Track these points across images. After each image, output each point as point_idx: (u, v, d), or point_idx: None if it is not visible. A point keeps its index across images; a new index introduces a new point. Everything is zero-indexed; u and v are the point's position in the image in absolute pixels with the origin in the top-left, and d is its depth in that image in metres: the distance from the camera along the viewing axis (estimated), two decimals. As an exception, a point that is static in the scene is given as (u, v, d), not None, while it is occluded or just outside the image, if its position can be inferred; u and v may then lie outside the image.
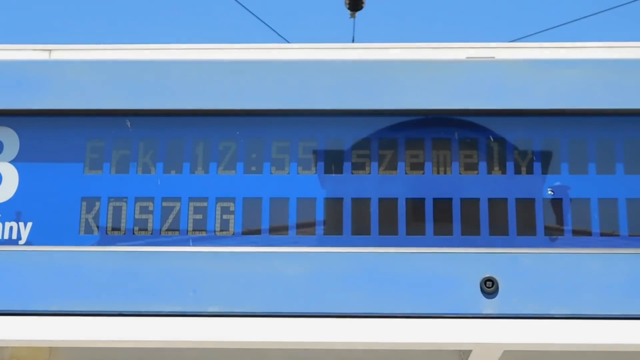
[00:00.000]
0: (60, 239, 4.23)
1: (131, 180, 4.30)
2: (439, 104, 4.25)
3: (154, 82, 4.32)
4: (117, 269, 4.11)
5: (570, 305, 3.99)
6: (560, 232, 4.16)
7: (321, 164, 4.28)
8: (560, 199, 4.19)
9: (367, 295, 4.03)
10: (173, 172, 4.30)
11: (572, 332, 3.98)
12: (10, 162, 4.35)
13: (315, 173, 4.27)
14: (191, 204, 4.25)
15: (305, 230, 4.21)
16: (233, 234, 4.21)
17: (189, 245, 4.20)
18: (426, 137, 4.28)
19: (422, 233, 4.17)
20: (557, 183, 4.18)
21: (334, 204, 4.23)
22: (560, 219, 4.17)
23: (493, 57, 4.34)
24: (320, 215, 4.22)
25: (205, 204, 4.25)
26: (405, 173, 4.25)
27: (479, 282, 4.03)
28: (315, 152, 4.28)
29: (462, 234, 4.15)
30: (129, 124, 4.34)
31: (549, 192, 4.20)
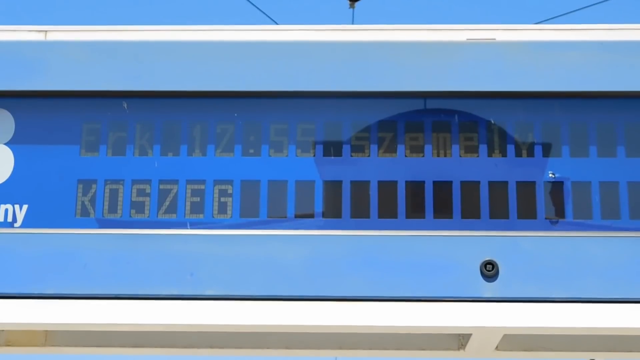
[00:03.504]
0: (56, 221, 4.20)
1: (128, 163, 4.26)
2: (439, 86, 4.21)
3: (150, 63, 4.28)
4: (113, 252, 4.07)
5: (571, 289, 3.97)
6: (561, 215, 4.13)
7: (320, 147, 4.24)
8: (561, 182, 4.17)
9: (366, 278, 4.01)
10: (170, 154, 4.26)
11: (573, 316, 3.96)
12: (6, 144, 4.31)
13: (314, 156, 4.23)
14: (188, 186, 4.22)
15: (303, 213, 4.18)
16: (231, 216, 4.17)
17: (186, 228, 4.17)
18: (426, 119, 4.25)
19: (422, 216, 4.14)
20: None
21: (332, 187, 4.19)
22: (561, 202, 4.14)
23: (494, 39, 4.30)
24: (319, 198, 4.18)
25: (202, 186, 4.21)
26: (405, 156, 4.22)
27: (479, 266, 4.00)
28: (313, 134, 4.25)
29: (462, 217, 4.12)
30: (125, 105, 4.30)
31: (550, 175, 4.17)
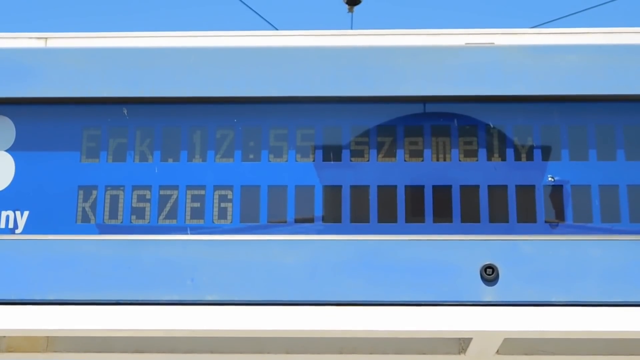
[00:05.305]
0: (57, 228, 4.21)
1: (128, 169, 4.27)
2: (438, 90, 4.21)
3: (150, 69, 4.29)
4: (114, 257, 4.08)
5: (571, 292, 3.97)
6: (561, 218, 4.13)
7: (319, 152, 4.25)
8: (561, 186, 4.17)
9: (366, 283, 4.01)
10: (170, 160, 4.27)
11: (573, 320, 3.95)
12: (7, 150, 4.33)
13: (314, 160, 4.24)
14: (189, 192, 4.23)
15: (303, 218, 4.18)
16: (231, 222, 4.18)
17: (186, 233, 4.17)
18: (425, 124, 4.25)
19: (422, 221, 4.14)
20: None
21: (332, 192, 4.20)
22: (560, 206, 4.14)
23: (492, 43, 4.31)
24: (318, 203, 4.19)
25: (202, 192, 4.22)
26: (405, 160, 4.22)
27: (479, 270, 4.00)
28: (313, 139, 4.25)
29: (462, 221, 4.13)
30: (125, 111, 4.31)
31: (550, 179, 4.17)
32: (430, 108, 4.27)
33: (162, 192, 4.23)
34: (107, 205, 4.23)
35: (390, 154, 4.23)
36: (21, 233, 4.22)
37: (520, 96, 4.21)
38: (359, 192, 4.19)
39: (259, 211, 4.18)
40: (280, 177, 4.21)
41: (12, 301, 4.06)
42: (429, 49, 4.29)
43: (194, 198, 4.22)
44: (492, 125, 4.24)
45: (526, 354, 4.37)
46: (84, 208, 4.24)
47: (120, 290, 4.04)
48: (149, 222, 4.20)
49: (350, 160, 4.23)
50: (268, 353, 4.44)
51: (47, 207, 4.24)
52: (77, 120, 4.32)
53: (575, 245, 4.04)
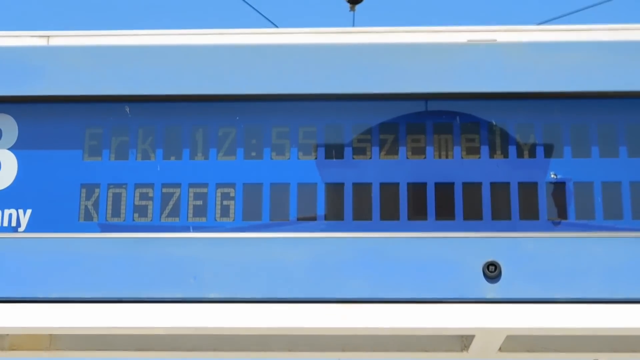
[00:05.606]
0: (59, 226, 4.21)
1: (131, 167, 4.28)
2: (440, 87, 4.21)
3: (152, 67, 4.29)
4: (117, 255, 4.09)
5: (574, 290, 3.97)
6: (563, 216, 4.13)
7: (321, 149, 4.25)
8: (563, 183, 4.16)
9: (368, 280, 4.01)
10: (173, 158, 4.27)
11: (576, 317, 3.95)
12: (9, 149, 4.33)
13: (316, 158, 4.24)
14: (191, 190, 4.23)
15: (306, 216, 4.18)
16: (233, 220, 4.18)
17: (189, 231, 4.18)
18: (427, 121, 4.25)
19: (424, 218, 4.15)
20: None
21: (335, 190, 4.20)
22: (563, 203, 4.14)
23: (494, 40, 4.30)
24: (321, 200, 4.19)
25: (205, 190, 4.22)
26: (407, 158, 4.22)
27: (481, 267, 4.00)
28: (315, 137, 4.25)
29: (464, 219, 4.13)
30: (127, 110, 4.32)
31: (552, 176, 4.17)
32: (433, 105, 4.27)
33: (164, 190, 4.23)
34: (110, 203, 4.23)
35: (393, 151, 4.23)
36: (24, 231, 4.23)
37: (523, 93, 4.21)
38: (362, 190, 4.19)
39: (261, 209, 4.18)
40: (283, 175, 4.22)
41: (15, 299, 4.07)
42: (431, 47, 4.29)
43: (197, 196, 4.22)
44: (494, 123, 4.24)
45: (529, 351, 4.37)
46: (86, 206, 4.24)
47: (123, 288, 4.05)
48: (151, 221, 4.20)
49: (353, 158, 4.23)
50: (271, 350, 4.44)
51: (50, 205, 4.24)
52: (80, 119, 4.33)
53: (577, 243, 4.04)
